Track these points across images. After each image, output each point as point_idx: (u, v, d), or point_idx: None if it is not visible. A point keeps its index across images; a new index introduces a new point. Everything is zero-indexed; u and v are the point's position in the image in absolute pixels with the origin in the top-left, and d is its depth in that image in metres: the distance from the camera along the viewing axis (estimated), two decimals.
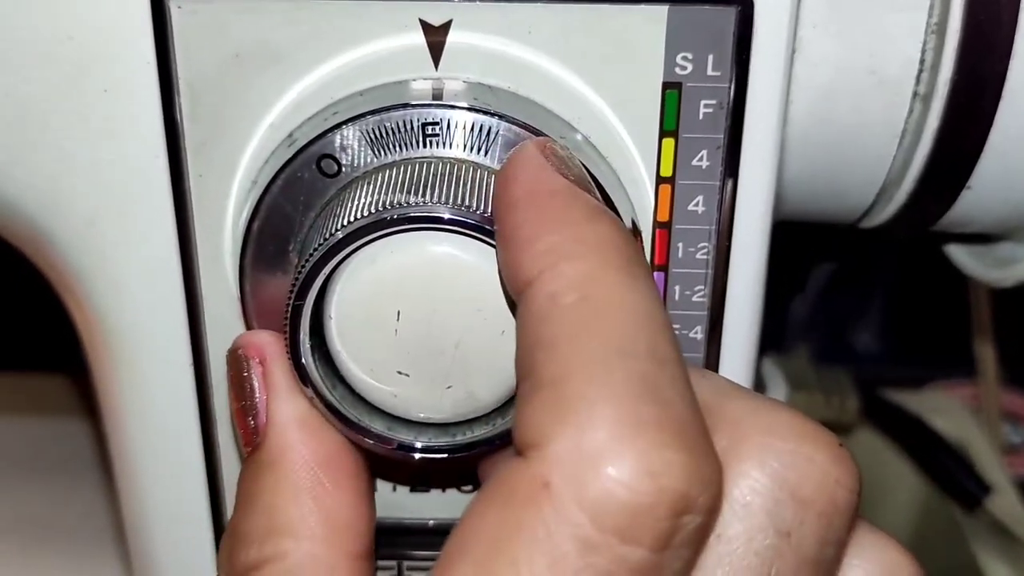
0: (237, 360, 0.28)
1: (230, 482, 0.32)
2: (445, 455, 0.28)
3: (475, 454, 0.28)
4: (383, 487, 0.32)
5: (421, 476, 0.32)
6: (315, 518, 0.26)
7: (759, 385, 0.40)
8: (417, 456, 0.28)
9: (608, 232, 0.24)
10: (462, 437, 0.28)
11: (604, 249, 0.23)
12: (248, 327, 0.29)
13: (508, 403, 0.28)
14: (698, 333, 0.30)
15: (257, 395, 0.27)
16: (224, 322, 0.30)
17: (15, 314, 0.59)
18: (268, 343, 0.27)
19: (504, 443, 0.28)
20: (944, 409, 0.60)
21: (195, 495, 0.32)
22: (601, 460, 0.21)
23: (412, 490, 0.32)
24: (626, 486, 0.20)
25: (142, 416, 0.32)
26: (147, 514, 0.33)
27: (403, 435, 0.28)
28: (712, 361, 0.30)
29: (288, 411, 0.27)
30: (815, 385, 0.55)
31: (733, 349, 0.30)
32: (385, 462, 0.31)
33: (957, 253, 0.37)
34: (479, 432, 0.28)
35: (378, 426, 0.28)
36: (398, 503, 0.32)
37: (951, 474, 0.55)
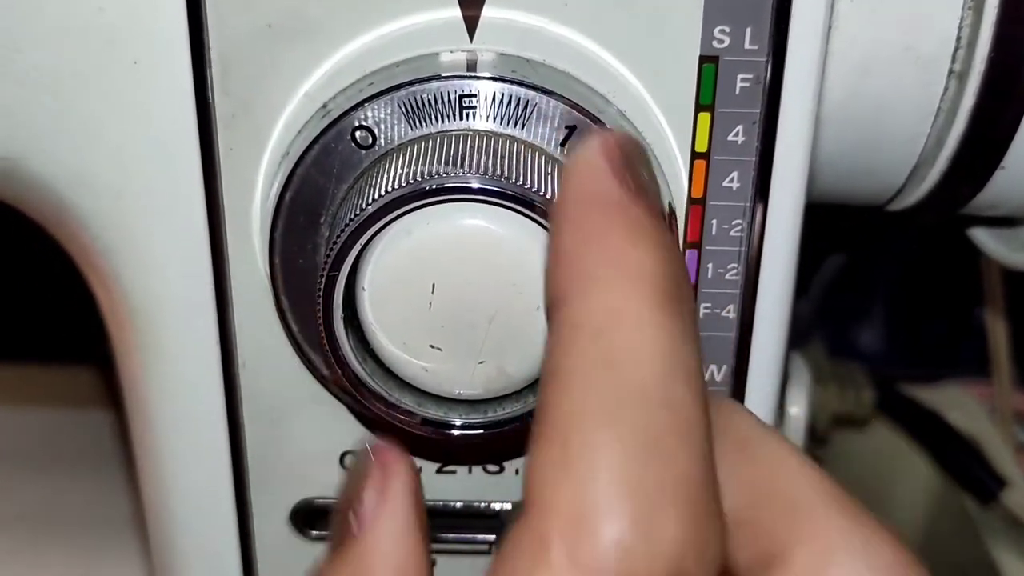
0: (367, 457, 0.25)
1: (255, 462, 0.32)
2: (481, 431, 0.28)
3: (508, 431, 0.28)
4: None
5: (448, 455, 0.31)
6: None
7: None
8: (456, 432, 0.28)
9: (647, 257, 0.22)
10: (493, 414, 0.28)
11: (638, 278, 0.22)
12: (277, 302, 0.29)
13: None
14: (730, 312, 0.30)
15: (367, 499, 0.25)
16: (252, 299, 0.30)
17: (42, 306, 0.59)
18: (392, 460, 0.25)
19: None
20: (958, 404, 0.60)
21: (219, 475, 0.32)
22: (598, 519, 0.20)
23: (439, 471, 0.32)
24: (621, 548, 0.20)
25: (166, 396, 0.31)
26: (169, 496, 0.33)
27: (433, 411, 0.28)
28: (744, 340, 0.30)
29: (391, 526, 0.25)
30: (830, 378, 0.55)
31: (766, 328, 0.30)
32: (413, 440, 0.31)
33: (981, 236, 0.37)
34: (510, 409, 0.28)
35: (408, 402, 0.28)
36: (424, 485, 0.32)
37: (966, 468, 0.54)
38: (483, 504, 0.32)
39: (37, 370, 0.58)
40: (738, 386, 0.30)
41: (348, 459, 0.32)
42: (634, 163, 0.23)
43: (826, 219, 0.34)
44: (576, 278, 0.22)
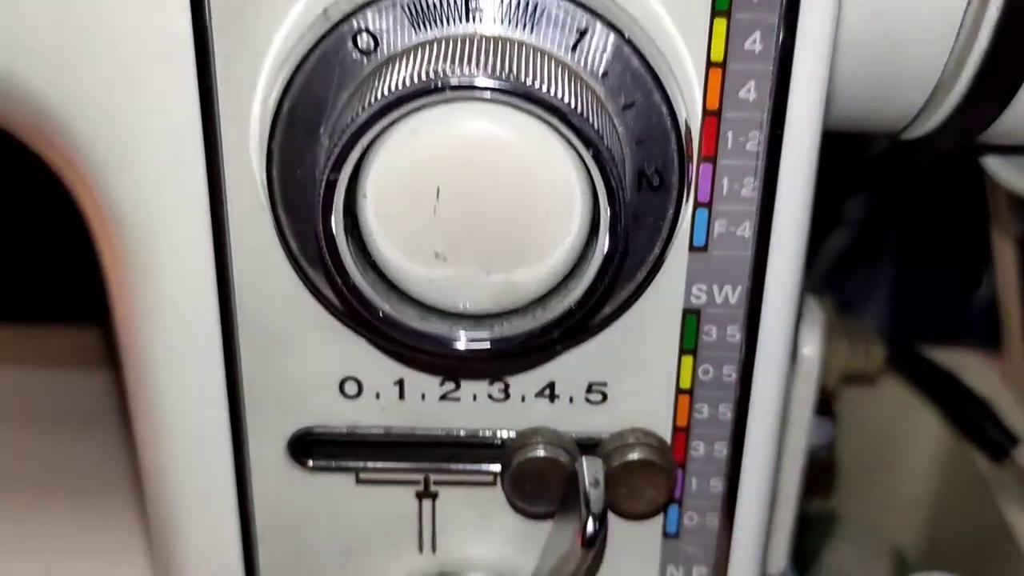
0: None
1: (250, 389, 0.31)
2: (487, 346, 0.27)
3: (515, 348, 0.27)
4: (411, 395, 0.31)
5: (453, 373, 0.30)
6: None
7: None
8: (462, 348, 0.27)
9: None
10: (500, 330, 0.27)
11: None
12: (274, 218, 0.28)
13: (550, 293, 0.27)
14: (746, 230, 0.28)
15: None
16: (248, 216, 0.28)
17: (43, 268, 0.59)
18: None
19: (545, 337, 0.26)
20: (968, 367, 0.59)
21: (213, 403, 0.31)
22: None
23: (442, 398, 0.31)
24: None
25: (158, 320, 0.30)
26: (162, 425, 0.32)
27: (437, 326, 0.27)
28: (760, 260, 0.29)
29: None
30: (839, 333, 0.54)
31: (783, 245, 0.29)
32: (415, 360, 0.30)
33: (994, 165, 0.36)
34: (518, 325, 0.27)
35: (411, 316, 0.27)
36: (426, 412, 0.31)
37: (979, 425, 0.53)
38: (488, 433, 0.31)
39: (38, 331, 0.58)
40: (753, 309, 0.29)
41: (348, 385, 0.31)
42: None
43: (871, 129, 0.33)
44: None
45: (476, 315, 0.27)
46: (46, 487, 0.47)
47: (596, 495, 0.29)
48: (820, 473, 0.56)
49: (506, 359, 0.29)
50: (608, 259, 0.26)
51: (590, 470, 0.30)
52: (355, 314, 0.28)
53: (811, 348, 0.38)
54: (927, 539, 0.59)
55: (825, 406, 0.42)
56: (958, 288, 0.70)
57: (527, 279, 0.26)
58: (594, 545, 0.29)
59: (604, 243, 0.26)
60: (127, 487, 0.46)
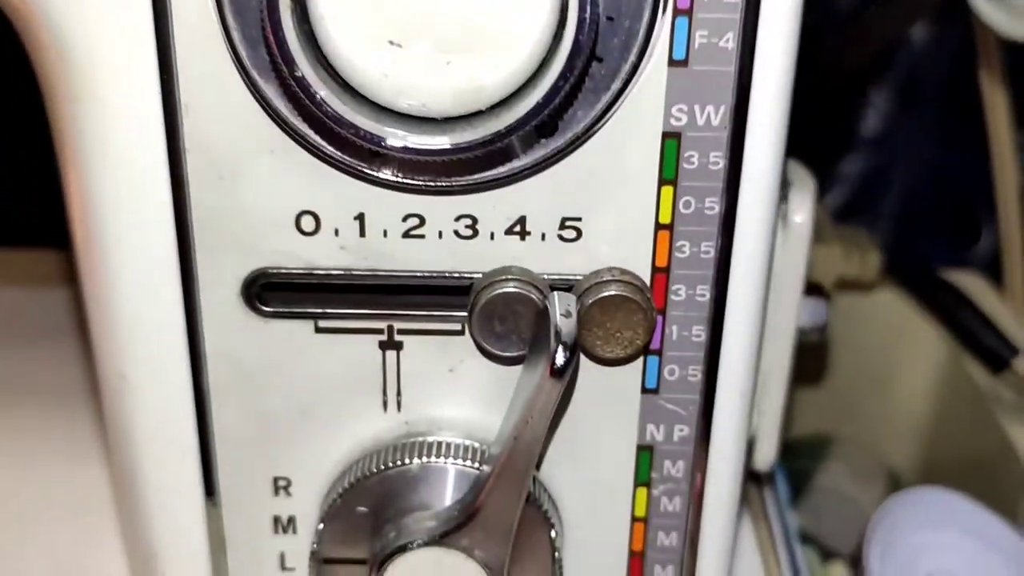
0: None
1: (201, 225, 0.29)
2: (446, 145, 0.25)
3: (481, 157, 0.25)
4: (373, 231, 0.29)
5: (412, 186, 0.28)
6: None
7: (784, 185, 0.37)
8: (419, 157, 0.25)
9: None
10: (460, 134, 0.25)
11: None
12: (221, 21, 0.26)
13: (517, 94, 0.25)
14: (729, 41, 0.26)
15: None
16: (196, 30, 0.26)
17: (4, 193, 0.59)
18: None
19: (509, 136, 0.24)
20: (969, 285, 0.57)
21: (161, 241, 0.29)
22: None
23: (405, 235, 0.29)
24: None
25: (103, 150, 0.28)
26: (107, 268, 0.30)
27: (393, 130, 0.25)
28: (745, 73, 0.27)
29: None
30: (834, 238, 0.52)
31: (769, 57, 0.27)
32: (377, 193, 0.28)
33: (981, 4, 0.34)
34: (481, 130, 0.25)
35: (367, 120, 0.25)
36: (389, 252, 0.29)
37: (977, 334, 0.52)
38: (455, 275, 0.29)
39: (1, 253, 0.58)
40: (738, 132, 0.27)
41: (304, 220, 0.29)
42: None
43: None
44: None
45: (437, 120, 0.25)
46: (6, 402, 0.47)
47: (567, 325, 0.27)
48: (812, 357, 0.54)
49: (470, 180, 0.27)
50: (576, 50, 0.24)
51: (562, 303, 0.28)
52: (307, 115, 0.25)
53: (801, 216, 0.36)
54: (923, 459, 0.57)
55: (818, 289, 0.40)
56: (957, 241, 0.68)
57: (493, 73, 0.24)
58: (563, 376, 0.27)
59: (571, 32, 0.24)
60: (86, 401, 0.46)
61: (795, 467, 0.57)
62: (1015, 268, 0.56)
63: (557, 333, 0.27)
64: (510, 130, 0.25)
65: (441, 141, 0.25)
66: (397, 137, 0.25)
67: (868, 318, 0.56)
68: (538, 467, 0.30)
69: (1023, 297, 0.57)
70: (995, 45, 0.47)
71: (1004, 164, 0.50)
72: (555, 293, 0.28)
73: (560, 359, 0.27)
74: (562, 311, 0.27)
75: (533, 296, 0.28)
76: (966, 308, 0.52)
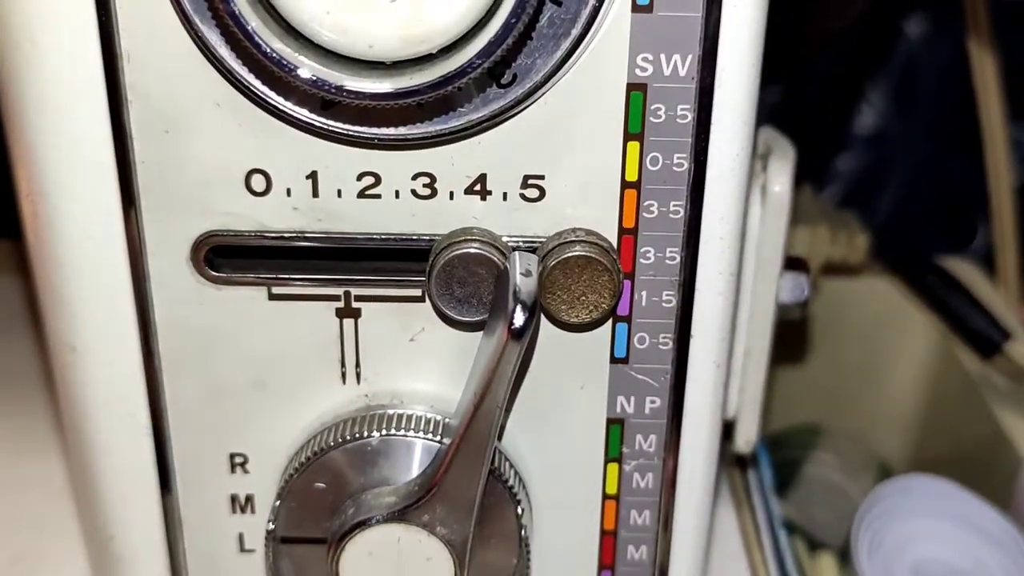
0: None
1: (146, 185, 0.27)
2: (397, 97, 0.23)
3: (430, 98, 0.24)
4: (326, 190, 0.28)
5: (368, 164, 0.27)
6: None
7: (764, 154, 0.35)
8: (367, 101, 0.23)
9: None
10: (408, 79, 0.24)
11: None
12: None
13: (468, 37, 0.23)
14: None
15: None
16: None
17: None
18: None
19: (461, 79, 0.23)
20: (959, 270, 0.56)
21: (104, 201, 0.28)
22: None
23: (360, 195, 0.28)
24: None
25: (41, 104, 0.27)
26: (51, 232, 0.28)
27: (339, 75, 0.23)
28: (713, 18, 0.25)
29: None
30: (821, 220, 0.51)
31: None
32: (330, 149, 0.27)
33: None
34: (430, 73, 0.24)
35: (309, 67, 0.23)
36: (343, 213, 0.28)
37: (968, 319, 0.50)
38: (413, 237, 0.28)
39: None
40: (706, 81, 0.26)
41: (255, 180, 0.27)
42: None
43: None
44: None
45: (387, 64, 0.24)
46: None
47: (527, 284, 0.26)
48: (799, 344, 0.53)
49: (425, 132, 0.25)
50: None
51: (522, 262, 0.26)
52: (252, 63, 0.24)
53: (780, 186, 0.35)
54: (914, 447, 0.56)
55: (799, 263, 0.39)
56: (953, 239, 0.67)
57: (438, 12, 0.23)
58: (522, 338, 0.25)
59: None
60: (40, 389, 0.45)
61: (784, 458, 0.56)
62: (1007, 254, 0.55)
63: (515, 292, 0.26)
64: (461, 72, 0.23)
65: (388, 85, 0.24)
66: (340, 79, 0.23)
67: (858, 305, 0.54)
68: (500, 437, 0.29)
69: (1015, 283, 0.55)
70: (988, 41, 0.46)
71: (995, 140, 0.49)
72: (516, 253, 0.27)
73: (519, 320, 0.25)
74: (522, 270, 0.26)
75: (494, 258, 0.27)
76: (956, 292, 0.51)
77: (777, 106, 0.67)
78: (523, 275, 0.26)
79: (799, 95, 0.66)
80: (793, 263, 0.38)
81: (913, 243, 0.53)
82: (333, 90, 0.23)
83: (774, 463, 0.50)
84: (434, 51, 0.23)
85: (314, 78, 0.23)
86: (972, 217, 0.63)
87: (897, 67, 0.65)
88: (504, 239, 0.28)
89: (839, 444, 0.56)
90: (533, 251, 0.28)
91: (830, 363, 0.56)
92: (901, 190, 0.67)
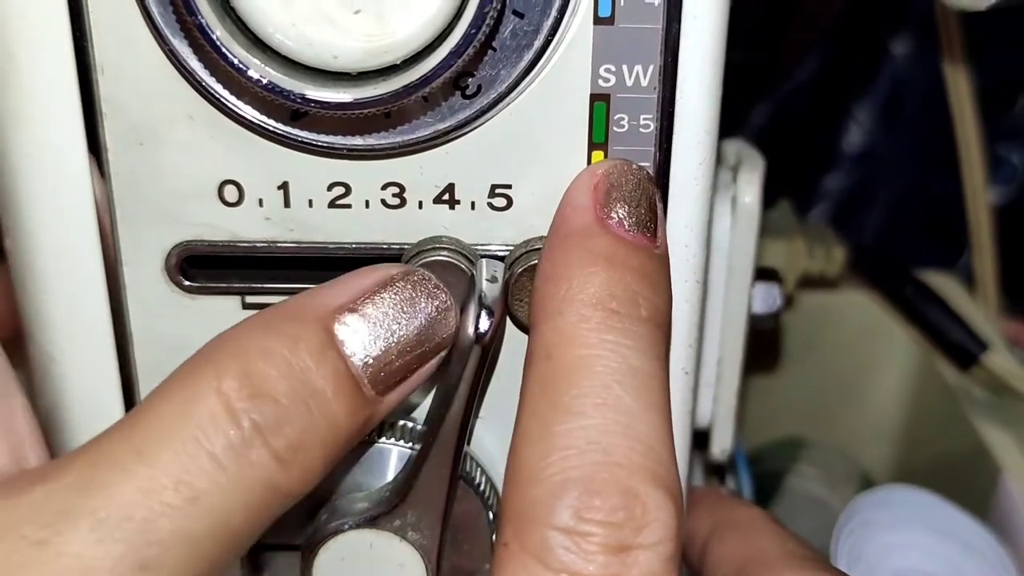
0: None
1: (121, 196, 0.28)
2: (361, 106, 0.24)
3: (393, 108, 0.24)
4: (297, 201, 0.28)
5: (338, 175, 0.28)
6: None
7: (734, 166, 0.36)
8: (317, 97, 0.24)
9: (597, 280, 0.25)
10: (372, 88, 0.24)
11: (585, 303, 0.25)
12: None
13: (428, 48, 0.24)
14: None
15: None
16: None
17: None
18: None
19: (422, 88, 0.24)
20: (939, 283, 0.56)
21: (80, 216, 0.28)
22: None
23: (331, 205, 0.28)
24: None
25: (18, 120, 0.27)
26: (28, 247, 0.29)
27: (304, 86, 0.24)
28: (672, 32, 0.26)
29: None
30: (797, 233, 0.51)
31: (696, 14, 0.26)
32: (300, 160, 0.27)
33: None
34: (392, 83, 0.24)
35: (278, 76, 0.24)
36: (315, 223, 0.28)
37: (946, 330, 0.51)
38: (384, 246, 0.28)
39: None
40: (668, 93, 0.27)
41: (227, 190, 0.28)
42: (616, 195, 0.26)
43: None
44: (539, 308, 0.25)
45: (352, 75, 0.24)
46: None
47: (492, 290, 0.26)
48: (766, 344, 0.53)
49: (393, 142, 0.26)
50: None
51: (488, 268, 0.27)
52: (222, 76, 0.25)
53: (751, 197, 0.36)
54: (896, 459, 0.56)
55: (771, 274, 0.39)
56: (939, 257, 0.68)
57: (400, 24, 0.23)
58: (487, 342, 0.26)
59: None
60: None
61: (766, 471, 0.56)
62: (985, 266, 0.55)
63: (480, 298, 0.26)
64: (423, 81, 0.24)
65: (353, 94, 0.24)
66: (304, 89, 0.24)
67: (837, 318, 0.55)
68: (469, 441, 0.29)
69: (994, 294, 0.56)
70: (962, 61, 0.47)
71: (971, 154, 0.50)
72: (482, 259, 0.27)
73: (484, 324, 0.26)
74: (487, 276, 0.27)
75: (462, 266, 0.28)
76: (934, 304, 0.51)
77: (764, 125, 0.68)
78: (488, 281, 0.27)
79: (786, 115, 0.66)
80: (765, 274, 0.39)
81: (890, 255, 0.53)
82: (297, 99, 0.24)
83: (756, 476, 0.50)
84: (397, 62, 0.24)
85: (278, 87, 0.24)
86: (959, 234, 0.64)
87: (883, 86, 0.66)
88: (472, 247, 0.28)
89: (821, 457, 0.56)
90: (502, 259, 0.28)
91: (811, 376, 0.56)
92: (888, 208, 0.67)
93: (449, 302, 0.26)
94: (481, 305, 0.26)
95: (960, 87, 0.54)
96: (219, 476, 0.23)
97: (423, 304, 0.26)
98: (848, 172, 0.68)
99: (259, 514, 0.24)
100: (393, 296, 0.26)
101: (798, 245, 0.50)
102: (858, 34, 0.66)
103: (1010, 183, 0.65)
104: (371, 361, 0.25)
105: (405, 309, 0.26)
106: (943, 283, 0.56)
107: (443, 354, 0.26)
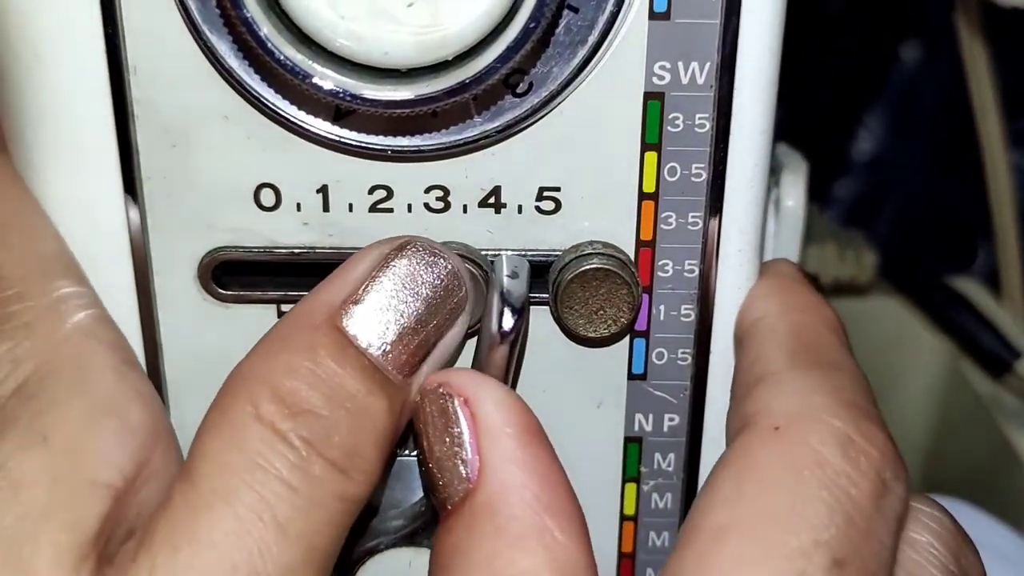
0: (439, 399, 0.25)
1: (153, 201, 0.27)
2: (408, 96, 0.23)
3: (445, 106, 0.23)
4: (337, 205, 0.27)
5: (380, 178, 0.26)
6: (548, 572, 0.23)
7: (776, 169, 0.35)
8: (382, 109, 0.23)
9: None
10: (424, 85, 0.23)
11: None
12: None
13: (485, 43, 0.23)
14: None
15: (466, 437, 0.24)
16: None
17: None
18: (471, 380, 0.25)
19: (477, 87, 0.23)
20: (965, 288, 0.55)
21: (113, 220, 0.27)
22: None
23: (372, 209, 0.27)
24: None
25: (46, 119, 0.26)
26: None
27: (354, 83, 0.23)
28: (732, 27, 0.25)
29: (503, 451, 0.24)
30: (829, 239, 0.50)
31: (755, 9, 0.25)
32: (341, 162, 0.26)
33: None
34: (445, 80, 0.23)
35: (328, 74, 0.23)
36: (355, 227, 0.27)
37: (978, 338, 0.50)
38: None
39: None
40: (724, 91, 0.26)
41: (264, 194, 0.27)
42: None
43: None
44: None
45: (401, 72, 0.23)
46: None
47: (516, 286, 0.25)
48: None
49: (440, 143, 0.25)
50: None
51: (509, 264, 0.26)
52: (263, 72, 0.24)
53: (794, 200, 0.35)
54: (924, 468, 0.55)
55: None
56: (953, 264, 0.67)
57: (454, 17, 0.22)
58: (509, 341, 0.25)
59: None
60: None
61: None
62: (1012, 272, 0.54)
63: (503, 294, 0.25)
64: (478, 78, 0.23)
65: (404, 92, 0.23)
66: (356, 88, 0.23)
67: (865, 325, 0.54)
68: None
69: (1022, 302, 0.55)
70: (985, 65, 0.46)
71: (995, 159, 0.49)
72: (503, 255, 0.27)
73: (507, 323, 0.25)
74: (508, 272, 0.26)
75: (473, 270, 0.27)
76: (965, 311, 0.50)
77: (774, 132, 0.67)
78: (510, 277, 0.26)
79: (796, 121, 0.66)
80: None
81: (920, 263, 0.52)
82: (349, 98, 0.23)
83: None
84: (450, 57, 0.23)
85: (332, 87, 0.23)
86: (972, 239, 0.63)
87: (894, 92, 0.65)
88: (512, 253, 0.27)
89: None
90: (549, 265, 0.27)
91: None
92: (900, 214, 0.66)
93: (451, 265, 0.25)
94: (505, 303, 0.25)
95: (983, 89, 0.53)
96: (295, 498, 0.22)
97: (424, 275, 0.25)
98: (858, 179, 0.67)
99: (338, 529, 0.23)
100: (392, 276, 0.25)
101: (830, 251, 0.49)
102: (868, 40, 0.65)
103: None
104: (389, 347, 0.24)
105: (407, 285, 0.25)
106: (969, 289, 0.55)
107: (465, 318, 0.25)
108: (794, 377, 0.26)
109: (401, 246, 0.25)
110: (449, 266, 0.25)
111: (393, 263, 0.25)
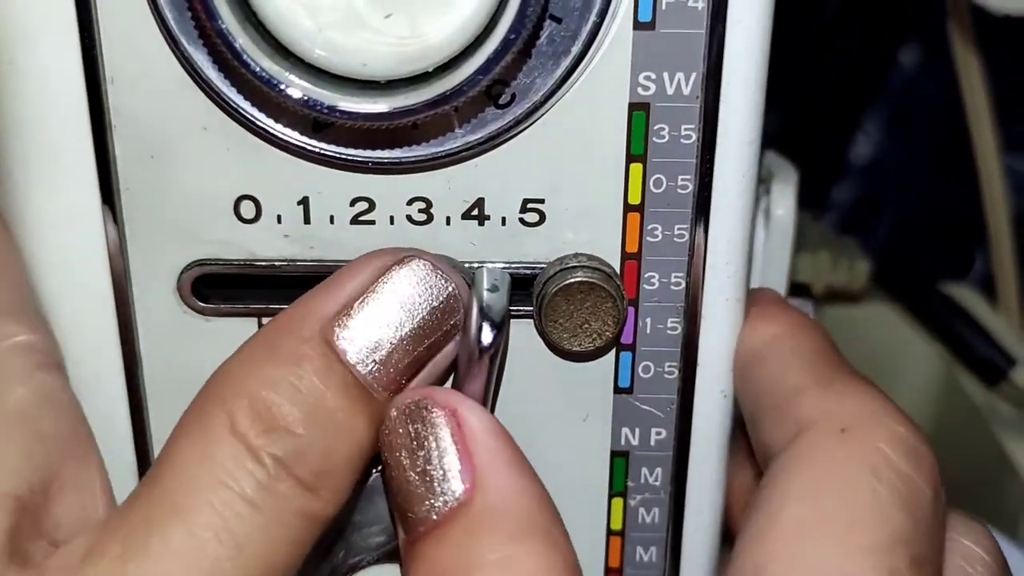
0: (420, 412, 0.24)
1: (131, 214, 0.26)
2: (382, 109, 0.22)
3: (426, 117, 0.23)
4: (318, 217, 0.27)
5: (361, 190, 0.26)
6: (559, 571, 0.23)
7: (766, 177, 0.35)
8: (360, 122, 0.22)
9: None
10: (403, 98, 0.23)
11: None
12: None
13: (466, 54, 0.23)
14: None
15: (452, 447, 0.24)
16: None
17: None
18: (452, 395, 0.25)
19: (457, 99, 0.22)
20: (960, 296, 0.55)
21: (90, 231, 0.27)
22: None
23: (353, 221, 0.27)
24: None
25: (24, 127, 0.26)
26: (34, 259, 0.27)
27: (330, 95, 0.23)
28: (717, 36, 0.25)
29: (497, 456, 0.24)
30: (822, 246, 0.50)
31: (741, 18, 0.25)
32: (321, 173, 0.26)
33: None
34: (425, 92, 0.23)
35: (302, 84, 0.23)
36: (336, 240, 0.27)
37: (972, 346, 0.49)
38: None
39: None
40: (711, 100, 0.25)
41: (244, 206, 0.26)
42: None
43: None
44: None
45: (380, 83, 0.23)
46: None
47: (496, 300, 0.25)
48: None
49: (421, 155, 0.24)
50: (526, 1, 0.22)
51: (489, 277, 0.25)
52: (240, 84, 0.23)
53: (784, 209, 0.34)
54: None
55: (803, 290, 0.38)
56: (951, 269, 0.66)
57: (434, 28, 0.22)
58: (489, 352, 0.24)
59: None
60: None
61: None
62: (1007, 278, 0.54)
63: (483, 308, 0.25)
64: (458, 90, 0.22)
65: (381, 105, 0.23)
66: (332, 99, 0.22)
67: (860, 332, 0.53)
68: None
69: (1017, 309, 0.55)
70: (978, 71, 0.46)
71: (989, 166, 0.49)
72: (483, 268, 0.26)
73: (487, 337, 0.24)
74: (488, 285, 0.25)
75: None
76: (959, 318, 0.50)
77: (771, 137, 0.67)
78: (490, 291, 0.25)
79: (794, 126, 0.65)
80: (796, 289, 0.37)
81: (914, 269, 0.52)
82: (326, 110, 0.22)
83: None
84: (430, 69, 0.22)
85: (306, 98, 0.22)
86: (970, 245, 0.63)
87: (892, 96, 0.65)
88: (499, 265, 0.27)
89: None
90: (533, 278, 0.27)
91: None
92: (898, 219, 0.66)
93: (451, 287, 0.25)
94: (484, 316, 0.25)
95: (976, 96, 0.52)
96: (256, 517, 0.22)
97: (424, 295, 0.24)
98: (856, 183, 0.66)
99: (299, 547, 0.23)
100: (390, 292, 0.24)
101: (823, 258, 0.49)
102: (866, 45, 0.65)
103: (1021, 193, 0.64)
104: (378, 365, 0.24)
105: (405, 304, 0.24)
106: (964, 296, 0.55)
107: (458, 338, 0.25)
108: (845, 383, 0.26)
109: (402, 260, 0.25)
110: (450, 288, 0.25)
111: (393, 278, 0.24)
